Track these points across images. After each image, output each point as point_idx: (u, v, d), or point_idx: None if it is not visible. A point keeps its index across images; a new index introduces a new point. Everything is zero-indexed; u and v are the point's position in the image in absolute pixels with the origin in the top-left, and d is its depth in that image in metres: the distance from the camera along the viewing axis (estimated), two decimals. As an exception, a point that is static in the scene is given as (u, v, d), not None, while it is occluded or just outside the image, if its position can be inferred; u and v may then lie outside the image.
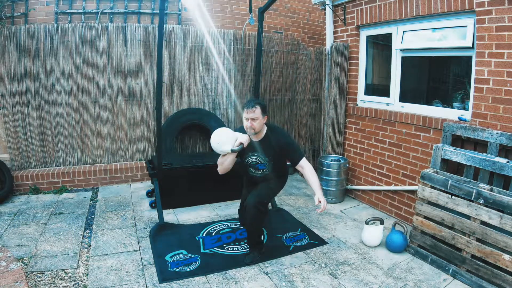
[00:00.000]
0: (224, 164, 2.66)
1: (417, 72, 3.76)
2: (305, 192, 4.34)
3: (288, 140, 2.69)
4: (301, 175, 3.40)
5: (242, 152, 2.66)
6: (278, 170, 2.74)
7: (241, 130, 2.68)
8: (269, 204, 3.18)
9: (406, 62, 3.51)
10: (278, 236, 3.11)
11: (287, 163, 2.76)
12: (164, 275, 2.44)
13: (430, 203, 2.71)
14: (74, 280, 2.35)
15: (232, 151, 2.56)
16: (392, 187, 3.60)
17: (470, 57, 2.89)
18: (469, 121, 2.84)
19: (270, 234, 3.11)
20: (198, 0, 3.90)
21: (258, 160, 2.65)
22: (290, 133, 5.41)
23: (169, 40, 4.52)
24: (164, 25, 4.15)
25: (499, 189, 2.40)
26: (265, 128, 2.64)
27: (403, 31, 3.42)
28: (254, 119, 2.48)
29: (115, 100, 4.42)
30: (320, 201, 2.45)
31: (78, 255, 2.68)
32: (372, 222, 2.95)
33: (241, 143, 2.56)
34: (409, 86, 3.64)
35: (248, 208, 2.56)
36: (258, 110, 2.48)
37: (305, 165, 2.59)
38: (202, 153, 4.92)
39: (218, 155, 2.70)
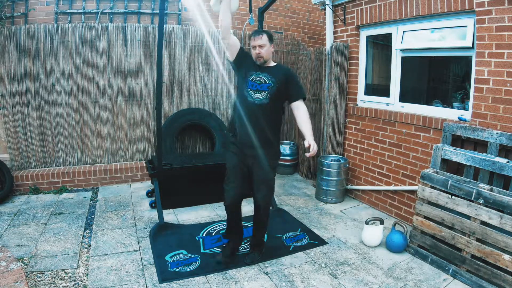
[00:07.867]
0: (222, 11, 2.53)
1: (417, 72, 3.76)
2: (305, 192, 4.33)
3: (296, 75, 2.65)
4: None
5: (246, 68, 2.52)
6: (276, 112, 2.56)
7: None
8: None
9: (406, 62, 3.50)
10: (278, 236, 3.12)
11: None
12: (164, 275, 2.44)
13: (430, 203, 2.71)
14: (74, 280, 2.35)
15: None
16: (392, 187, 3.60)
17: (470, 57, 2.89)
18: (469, 121, 2.84)
19: (270, 234, 3.10)
20: (198, 0, 3.91)
21: (264, 79, 2.47)
22: (289, 133, 5.42)
23: (169, 40, 4.52)
24: (164, 25, 4.15)
25: (499, 189, 2.39)
26: (273, 63, 2.60)
27: (403, 31, 3.42)
28: (262, 46, 2.43)
29: (115, 100, 4.42)
30: (310, 145, 2.37)
31: (78, 255, 2.68)
32: (372, 222, 2.95)
33: None
34: (409, 86, 3.64)
35: (263, 214, 2.63)
36: (264, 37, 2.45)
37: (301, 106, 2.55)
38: (202, 153, 4.92)
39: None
